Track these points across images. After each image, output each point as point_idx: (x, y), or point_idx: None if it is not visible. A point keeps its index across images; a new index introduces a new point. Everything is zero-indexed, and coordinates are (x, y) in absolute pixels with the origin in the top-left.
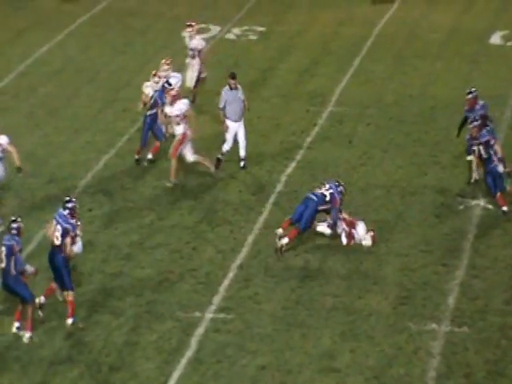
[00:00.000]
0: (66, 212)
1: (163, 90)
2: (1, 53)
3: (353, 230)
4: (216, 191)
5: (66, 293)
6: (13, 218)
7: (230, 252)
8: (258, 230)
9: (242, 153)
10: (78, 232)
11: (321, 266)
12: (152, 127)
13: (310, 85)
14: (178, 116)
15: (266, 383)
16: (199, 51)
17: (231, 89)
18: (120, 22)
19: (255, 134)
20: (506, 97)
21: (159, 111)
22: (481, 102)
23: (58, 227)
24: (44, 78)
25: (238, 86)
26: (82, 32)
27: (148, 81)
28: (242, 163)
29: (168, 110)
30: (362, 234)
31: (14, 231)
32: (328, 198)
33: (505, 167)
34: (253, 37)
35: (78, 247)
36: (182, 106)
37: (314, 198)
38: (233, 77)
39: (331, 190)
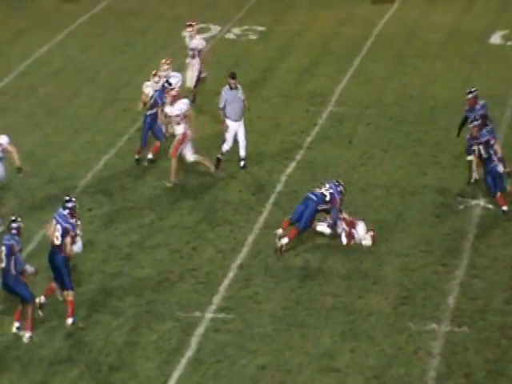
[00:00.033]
0: (66, 212)
1: (163, 90)
2: (1, 53)
3: (353, 230)
4: (216, 191)
5: (65, 292)
6: (13, 218)
7: (229, 252)
8: (258, 229)
9: (242, 153)
10: (78, 232)
11: (321, 265)
12: (152, 127)
13: (310, 85)
14: (178, 116)
15: (266, 383)
16: (199, 51)
17: (231, 88)
18: (120, 22)
19: (255, 133)
20: (506, 97)
21: (159, 111)
22: (481, 102)
23: (58, 227)
24: (44, 78)
25: (238, 86)
26: (82, 32)
27: (148, 81)
28: (241, 163)
29: (168, 109)
30: (362, 233)
31: (13, 231)
32: (328, 198)
33: (505, 167)
34: (253, 37)
35: (77, 247)
36: (182, 105)
37: (314, 197)
38: (233, 77)
39: (331, 190)
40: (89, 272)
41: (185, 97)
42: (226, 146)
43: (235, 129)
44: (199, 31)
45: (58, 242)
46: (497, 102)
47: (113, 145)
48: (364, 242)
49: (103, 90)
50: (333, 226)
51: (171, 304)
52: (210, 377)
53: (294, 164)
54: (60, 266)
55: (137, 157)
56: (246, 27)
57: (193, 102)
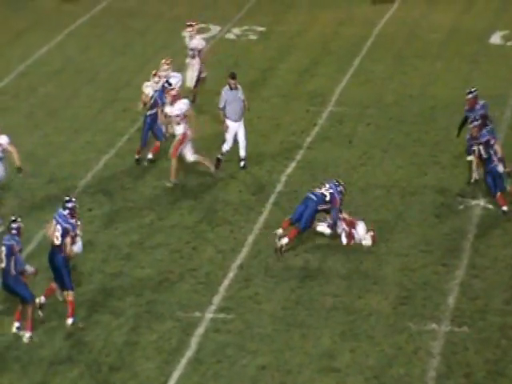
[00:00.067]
0: (66, 212)
1: (163, 90)
2: (1, 53)
3: (353, 230)
4: (216, 191)
5: (65, 293)
6: (13, 218)
7: (230, 252)
8: (258, 229)
9: (242, 153)
10: (78, 232)
11: (321, 265)
12: (152, 127)
13: (310, 85)
14: (178, 116)
15: (266, 383)
16: (199, 51)
17: (231, 89)
18: (120, 23)
19: (255, 133)
20: (506, 97)
21: (159, 111)
22: (481, 102)
23: (58, 227)
24: (44, 79)
25: (238, 86)
26: (81, 32)
27: (148, 81)
28: (242, 163)
29: (168, 109)
30: (362, 233)
31: (13, 231)
32: (328, 198)
33: (505, 167)
34: (253, 37)
35: (77, 247)
36: (182, 105)
37: (314, 197)
38: (233, 77)
39: (331, 190)
40: (89, 272)
41: (185, 97)
42: (225, 146)
43: (235, 129)
44: (199, 31)
45: (57, 242)
46: (497, 102)
47: (113, 145)
48: (364, 242)
49: (103, 90)
50: (333, 226)
51: (171, 304)
52: (210, 377)
53: (294, 164)
54: (60, 266)
55: (137, 157)
56: (246, 27)
57: (193, 102)
